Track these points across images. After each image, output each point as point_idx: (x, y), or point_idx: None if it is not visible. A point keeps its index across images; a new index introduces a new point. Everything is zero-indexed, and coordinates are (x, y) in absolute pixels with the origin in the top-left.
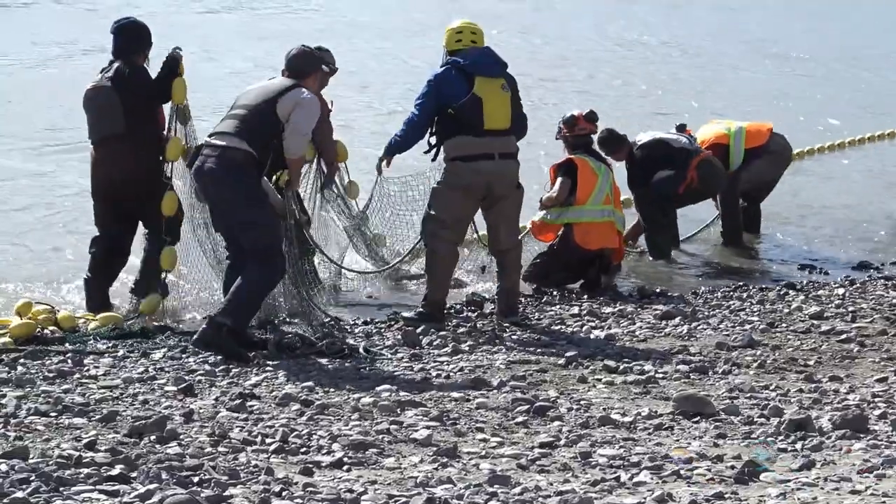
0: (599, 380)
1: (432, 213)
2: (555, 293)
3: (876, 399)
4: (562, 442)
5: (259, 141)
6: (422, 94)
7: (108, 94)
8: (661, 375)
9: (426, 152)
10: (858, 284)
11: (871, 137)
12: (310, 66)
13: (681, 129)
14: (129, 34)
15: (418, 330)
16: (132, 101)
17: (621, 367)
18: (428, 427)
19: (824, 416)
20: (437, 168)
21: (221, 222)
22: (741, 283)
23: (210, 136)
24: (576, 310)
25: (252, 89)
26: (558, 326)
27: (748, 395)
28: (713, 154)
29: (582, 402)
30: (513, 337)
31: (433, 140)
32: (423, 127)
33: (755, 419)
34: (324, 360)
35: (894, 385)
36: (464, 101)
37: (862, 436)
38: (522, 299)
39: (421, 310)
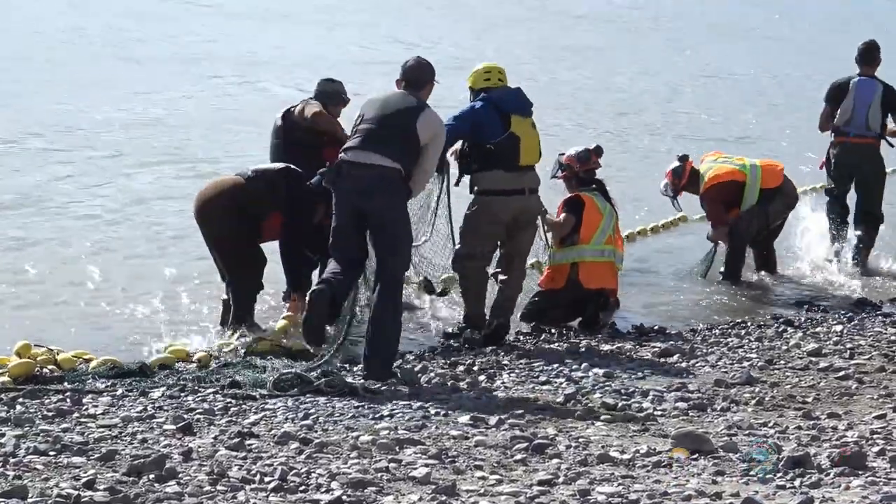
0: (598, 417)
1: (464, 244)
2: (553, 331)
3: (874, 436)
4: (560, 479)
5: (405, 159)
6: (455, 116)
7: None
8: (659, 413)
9: (456, 183)
10: (857, 321)
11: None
12: (427, 76)
13: (683, 160)
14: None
15: (417, 368)
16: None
17: (620, 405)
18: (427, 465)
19: (823, 452)
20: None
21: (374, 241)
22: (739, 321)
23: (350, 150)
24: (574, 347)
25: (380, 102)
26: (557, 364)
27: (746, 432)
28: (728, 190)
29: (580, 440)
30: (511, 374)
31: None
32: (449, 144)
33: (754, 456)
34: (322, 399)
35: (893, 422)
36: (503, 139)
37: (860, 473)
38: (521, 338)
39: (463, 324)
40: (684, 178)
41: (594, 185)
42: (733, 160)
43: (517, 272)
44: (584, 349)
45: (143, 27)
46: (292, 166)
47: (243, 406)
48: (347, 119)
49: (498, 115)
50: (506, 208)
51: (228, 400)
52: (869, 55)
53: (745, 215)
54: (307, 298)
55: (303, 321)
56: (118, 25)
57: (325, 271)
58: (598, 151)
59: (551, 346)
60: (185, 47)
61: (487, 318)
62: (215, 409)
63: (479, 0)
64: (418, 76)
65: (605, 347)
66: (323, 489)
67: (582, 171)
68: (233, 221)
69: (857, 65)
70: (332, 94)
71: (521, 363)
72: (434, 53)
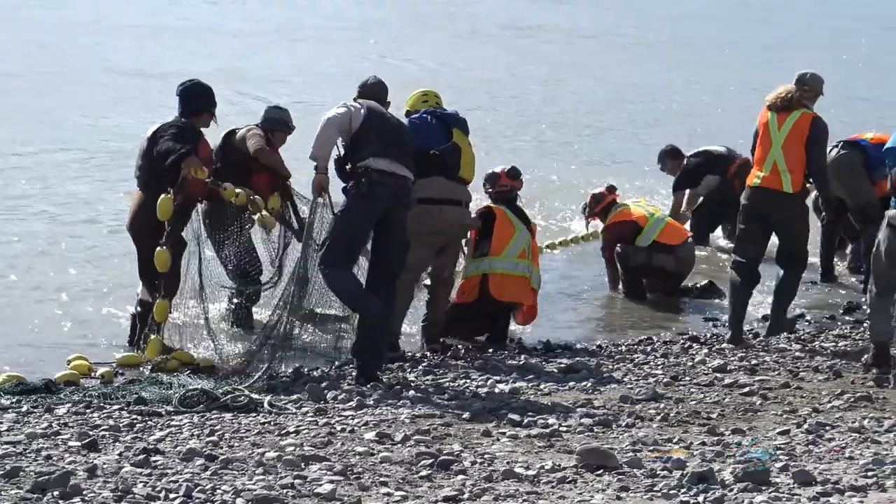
0: (503, 433)
1: None
2: (460, 346)
3: (778, 452)
4: (465, 496)
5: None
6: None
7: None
8: (564, 429)
9: None
10: (762, 337)
11: None
12: (386, 92)
13: (609, 190)
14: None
15: (323, 385)
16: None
17: (525, 421)
18: (332, 481)
19: (726, 468)
20: None
21: (393, 246)
22: (645, 337)
23: (384, 160)
24: (480, 363)
25: (394, 121)
26: (463, 380)
27: (651, 447)
28: (621, 227)
29: (486, 456)
30: (418, 391)
31: None
32: None
33: (658, 472)
34: (228, 415)
35: (796, 438)
36: (448, 146)
37: (764, 488)
38: (429, 353)
39: (422, 330)
40: (599, 206)
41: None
42: (648, 207)
43: (444, 297)
44: (490, 365)
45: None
46: None
47: (149, 423)
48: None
49: (441, 125)
50: (445, 217)
51: (134, 416)
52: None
53: (630, 248)
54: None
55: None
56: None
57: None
58: (512, 173)
59: (458, 361)
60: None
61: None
62: (121, 425)
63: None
64: (380, 92)
65: (512, 363)
66: None
67: (493, 192)
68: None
69: None
70: (278, 122)
71: (427, 379)
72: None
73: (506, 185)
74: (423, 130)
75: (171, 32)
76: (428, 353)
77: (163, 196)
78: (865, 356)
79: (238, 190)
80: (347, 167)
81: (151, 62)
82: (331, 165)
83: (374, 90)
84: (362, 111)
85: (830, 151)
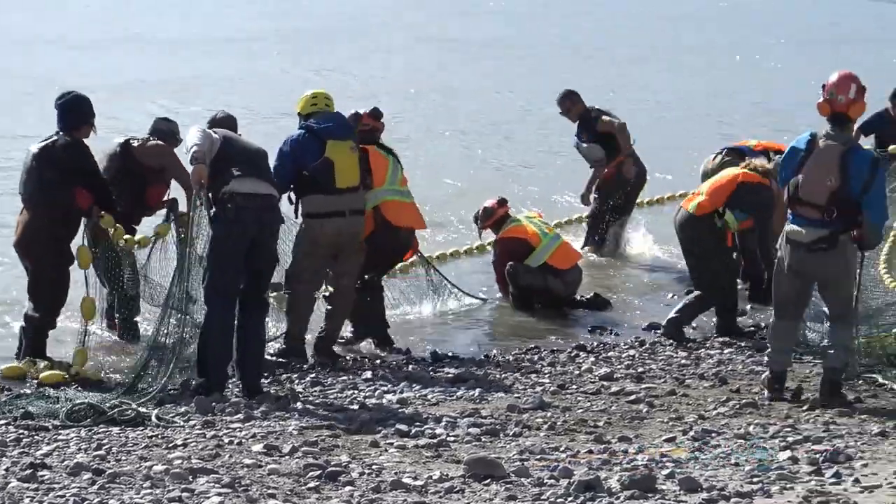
0: (391, 444)
1: (291, 264)
2: (348, 357)
3: (664, 459)
4: None
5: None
6: (280, 157)
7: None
8: (452, 438)
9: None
10: (648, 345)
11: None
12: (235, 127)
13: (500, 203)
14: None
15: (210, 399)
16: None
17: (413, 431)
18: (220, 494)
19: (613, 476)
20: None
21: (262, 264)
22: (533, 346)
23: (248, 180)
24: (368, 374)
25: (246, 141)
26: (351, 391)
27: (538, 456)
28: (513, 243)
29: (374, 467)
30: (305, 402)
31: (293, 197)
32: (285, 188)
33: (545, 481)
34: (115, 429)
35: (682, 445)
36: (317, 164)
37: (650, 496)
38: (317, 366)
39: (284, 346)
40: (491, 219)
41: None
42: (542, 226)
43: (344, 296)
44: (378, 375)
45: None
46: None
47: (36, 437)
48: None
49: (316, 142)
50: (326, 230)
51: (21, 431)
52: None
53: (521, 267)
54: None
55: None
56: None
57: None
58: (373, 114)
59: (346, 373)
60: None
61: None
62: (7, 440)
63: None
64: (230, 126)
65: (400, 373)
66: None
67: (358, 132)
68: None
69: None
70: (166, 133)
71: (315, 390)
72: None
73: (367, 125)
74: (297, 149)
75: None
76: (317, 366)
77: (80, 247)
78: (763, 377)
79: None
80: (209, 194)
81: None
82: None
83: (222, 124)
84: (218, 137)
85: (714, 158)
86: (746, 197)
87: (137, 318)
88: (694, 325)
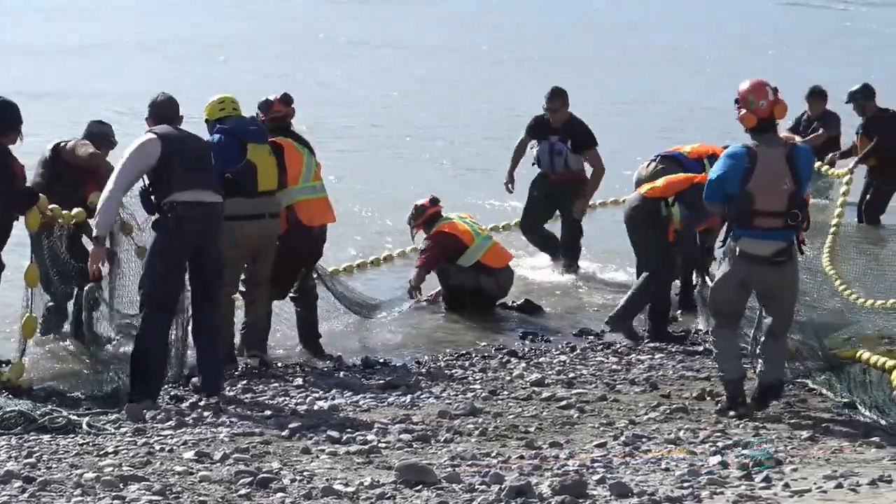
0: (323, 450)
1: None
2: (279, 363)
3: (595, 464)
4: None
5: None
6: None
7: None
8: (383, 445)
9: None
10: (579, 351)
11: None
12: (177, 109)
13: (432, 203)
14: None
15: (141, 406)
16: None
17: (344, 438)
18: (151, 501)
19: (544, 482)
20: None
21: (208, 268)
22: (464, 352)
23: (190, 191)
24: (300, 381)
25: (193, 141)
26: (282, 398)
27: (470, 462)
28: (446, 239)
29: (305, 473)
30: (237, 409)
31: None
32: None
33: (476, 486)
34: (46, 436)
35: (613, 450)
36: (240, 167)
37: (581, 501)
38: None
39: (241, 347)
40: (422, 218)
41: (286, 134)
42: (474, 225)
43: (261, 300)
44: (310, 382)
45: None
46: None
47: None
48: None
49: (237, 144)
50: (247, 233)
51: None
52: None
53: (453, 267)
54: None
55: None
56: None
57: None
58: (285, 99)
59: (277, 379)
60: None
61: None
62: None
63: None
64: (171, 110)
65: (331, 380)
66: None
67: (267, 120)
68: None
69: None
70: (101, 137)
71: (246, 397)
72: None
73: (279, 111)
74: (217, 152)
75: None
76: (248, 361)
77: (30, 265)
78: (718, 401)
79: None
80: (153, 199)
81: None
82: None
83: (164, 109)
84: (159, 143)
85: (648, 165)
86: (698, 196)
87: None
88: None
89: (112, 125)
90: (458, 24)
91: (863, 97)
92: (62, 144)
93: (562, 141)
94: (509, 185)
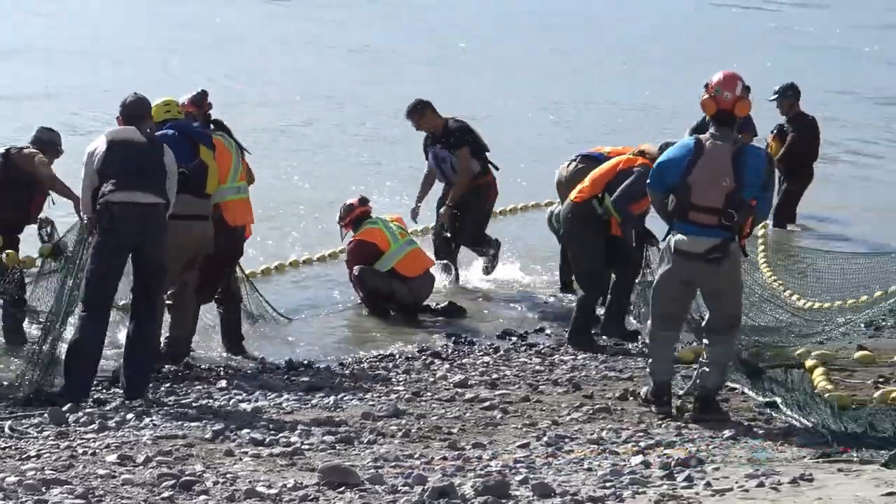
0: (246, 452)
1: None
2: (202, 366)
3: (518, 465)
4: None
5: (165, 191)
6: None
7: None
8: (307, 447)
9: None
10: (503, 352)
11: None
12: (146, 110)
13: (361, 202)
14: None
15: (65, 408)
16: None
17: (267, 440)
18: None
19: (467, 482)
20: None
21: (146, 269)
22: (388, 354)
23: (123, 192)
24: (223, 383)
25: (142, 147)
26: (206, 400)
27: (393, 463)
28: (363, 246)
29: (228, 476)
30: (160, 411)
31: None
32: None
33: (399, 488)
34: None
35: (536, 451)
36: (194, 164)
37: (504, 501)
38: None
39: (167, 349)
40: (349, 217)
41: (214, 127)
42: (397, 231)
43: (191, 306)
44: (233, 384)
45: None
46: None
47: None
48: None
49: (188, 144)
50: (190, 233)
51: None
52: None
53: (369, 270)
54: None
55: None
56: None
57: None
58: (204, 95)
59: (200, 381)
60: None
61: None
62: None
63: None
64: (139, 110)
65: (255, 382)
66: None
67: (201, 115)
68: None
69: None
70: (47, 143)
71: (170, 400)
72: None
73: (208, 106)
74: (171, 148)
75: None
76: (170, 373)
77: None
78: (644, 389)
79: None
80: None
81: None
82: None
83: (133, 109)
84: (104, 146)
85: (569, 165)
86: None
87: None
88: (548, 331)
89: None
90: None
91: (794, 95)
92: (11, 149)
93: (443, 148)
94: (415, 216)
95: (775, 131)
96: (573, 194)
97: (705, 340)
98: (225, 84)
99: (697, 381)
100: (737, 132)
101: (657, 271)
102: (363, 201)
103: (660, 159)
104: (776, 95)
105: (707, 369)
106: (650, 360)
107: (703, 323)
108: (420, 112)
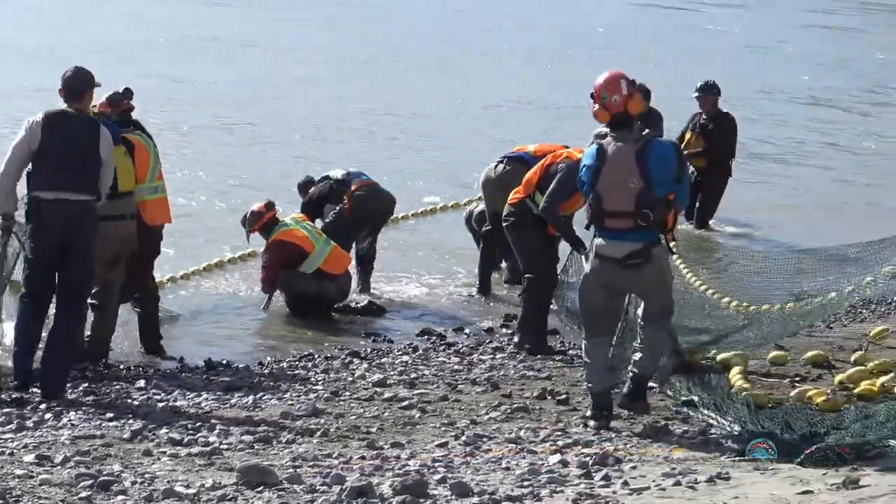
0: (164, 452)
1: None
2: (121, 366)
3: (436, 464)
4: None
5: (96, 187)
6: None
7: None
8: (225, 446)
9: None
10: (421, 351)
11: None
12: (86, 85)
13: (268, 207)
14: None
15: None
16: None
17: (186, 440)
18: None
19: (385, 482)
20: None
21: (74, 267)
22: (307, 353)
23: (51, 191)
24: (142, 382)
25: (73, 137)
26: (124, 399)
27: (311, 463)
28: (286, 247)
29: (146, 476)
30: (79, 411)
31: None
32: None
33: (318, 487)
34: None
35: (454, 450)
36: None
37: (422, 501)
38: (89, 374)
39: (89, 348)
40: (259, 223)
41: (133, 126)
42: (313, 231)
43: (113, 308)
44: (152, 384)
45: None
46: None
47: None
48: None
49: None
50: (115, 233)
51: None
52: None
53: (296, 274)
54: None
55: None
56: None
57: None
58: (128, 93)
59: (119, 381)
60: None
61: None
62: None
63: None
64: (79, 84)
65: (174, 381)
66: None
67: (116, 115)
68: None
69: None
70: None
71: (88, 400)
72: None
73: (127, 105)
74: None
75: None
76: (89, 372)
77: None
78: (586, 411)
79: None
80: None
81: None
82: None
83: (72, 83)
84: (39, 133)
85: (496, 166)
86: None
87: None
88: (467, 331)
89: None
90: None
91: (717, 92)
92: None
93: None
94: None
95: (697, 129)
96: (511, 197)
97: (641, 324)
98: (156, 84)
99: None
100: (640, 128)
101: (582, 277)
102: (270, 206)
103: (580, 171)
104: (698, 92)
105: (641, 355)
106: (586, 372)
107: (640, 309)
108: (305, 187)
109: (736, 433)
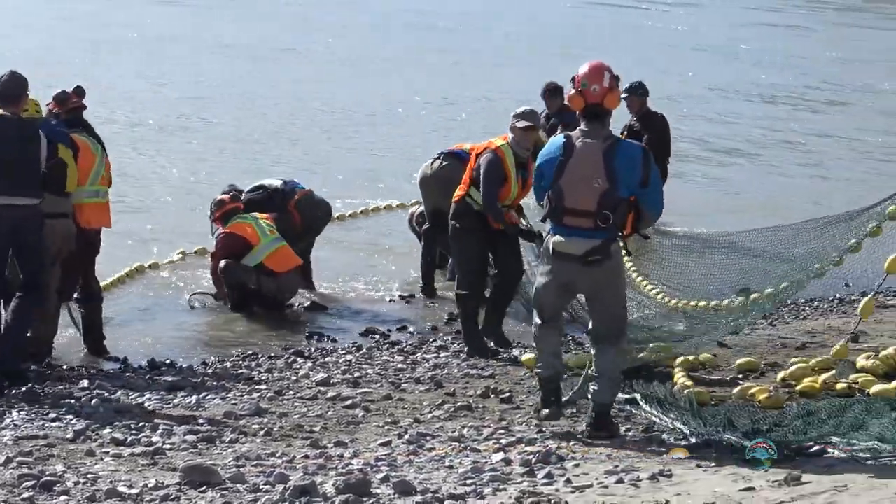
0: (107, 452)
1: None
2: (64, 366)
3: (379, 463)
4: None
5: (39, 189)
6: None
7: None
8: (168, 446)
9: None
10: (365, 350)
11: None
12: (21, 89)
13: (234, 198)
14: None
15: None
16: None
17: (129, 439)
18: None
19: (328, 481)
20: None
21: (27, 268)
22: (251, 352)
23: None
24: (85, 382)
25: (14, 141)
26: (67, 399)
27: (255, 462)
28: (232, 240)
29: (89, 476)
30: (21, 411)
31: None
32: None
33: (261, 486)
34: None
35: (398, 448)
36: (53, 164)
37: (365, 499)
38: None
39: (29, 349)
40: (220, 212)
41: (82, 127)
42: (268, 229)
43: (56, 308)
44: (95, 384)
45: None
46: None
47: None
48: None
49: (48, 144)
50: (54, 231)
51: None
52: None
53: (236, 265)
54: None
55: None
56: None
57: None
58: (79, 91)
59: (62, 381)
60: None
61: None
62: None
63: None
64: (14, 90)
65: (117, 381)
66: None
67: (64, 113)
68: None
69: None
70: None
71: (30, 399)
72: None
73: (76, 102)
74: None
75: None
76: (32, 373)
77: None
78: (536, 401)
79: None
80: None
81: None
82: None
83: (8, 88)
84: None
85: (433, 163)
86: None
87: None
88: (411, 329)
89: None
90: (278, 26)
91: (644, 93)
92: None
93: None
94: None
95: (625, 131)
96: (454, 195)
97: (592, 350)
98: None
99: (580, 389)
100: (608, 127)
101: (537, 273)
102: (235, 197)
103: (537, 161)
104: (625, 94)
105: (596, 385)
106: (537, 359)
107: (588, 330)
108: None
109: (678, 431)
